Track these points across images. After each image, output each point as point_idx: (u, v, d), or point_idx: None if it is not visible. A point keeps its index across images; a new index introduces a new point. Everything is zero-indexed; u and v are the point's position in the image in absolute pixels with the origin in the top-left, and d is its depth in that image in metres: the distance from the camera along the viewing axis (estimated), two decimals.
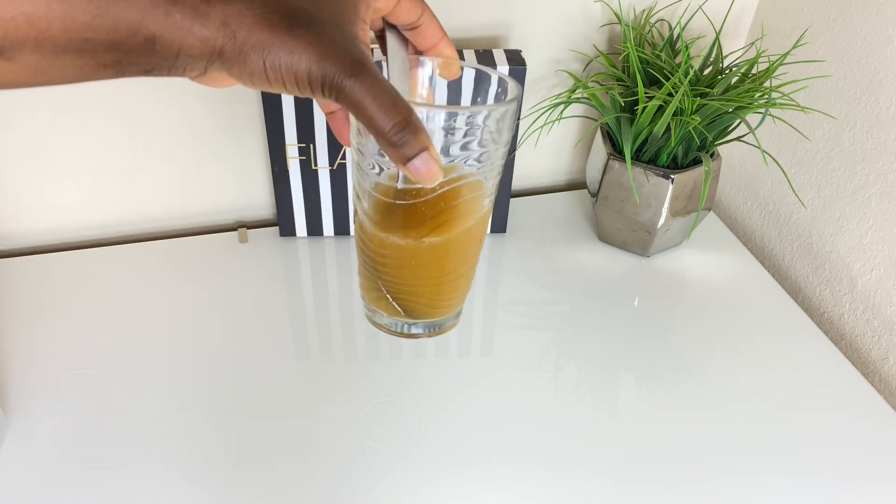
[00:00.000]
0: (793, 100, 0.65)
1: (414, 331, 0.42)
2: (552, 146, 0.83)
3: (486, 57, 0.65)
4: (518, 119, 0.38)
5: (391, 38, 0.38)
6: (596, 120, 0.77)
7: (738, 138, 0.69)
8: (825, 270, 0.72)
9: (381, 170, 0.37)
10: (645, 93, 0.63)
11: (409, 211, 0.37)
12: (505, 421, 0.57)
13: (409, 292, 0.41)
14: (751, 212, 0.82)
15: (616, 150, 0.69)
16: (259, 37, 0.29)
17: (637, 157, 0.68)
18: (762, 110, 0.63)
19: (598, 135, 0.72)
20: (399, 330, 0.42)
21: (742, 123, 0.64)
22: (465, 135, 0.36)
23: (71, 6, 0.27)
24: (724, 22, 0.70)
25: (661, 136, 0.65)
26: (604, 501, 0.52)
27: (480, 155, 0.36)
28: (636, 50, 0.65)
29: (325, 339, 0.64)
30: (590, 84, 0.70)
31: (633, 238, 0.72)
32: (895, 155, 0.63)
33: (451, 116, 0.35)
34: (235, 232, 0.75)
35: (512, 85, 0.38)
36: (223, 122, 0.71)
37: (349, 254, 0.73)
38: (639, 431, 0.57)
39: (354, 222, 0.41)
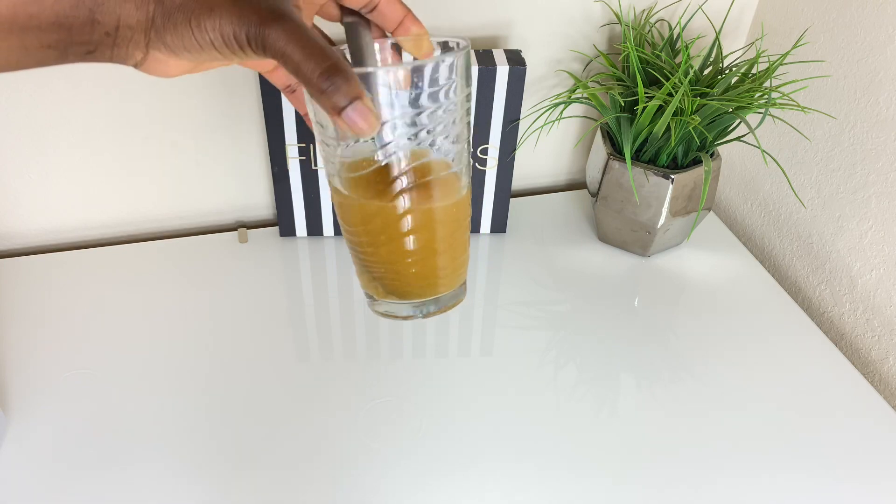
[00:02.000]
0: (793, 100, 0.65)
1: (406, 312, 0.42)
2: (552, 146, 0.83)
3: (486, 57, 0.65)
4: (469, 78, 0.37)
5: (351, 27, 0.37)
6: (596, 120, 0.77)
7: (738, 138, 0.69)
8: (825, 270, 0.72)
9: (342, 142, 0.37)
10: (645, 93, 0.63)
11: (376, 178, 0.37)
12: (505, 421, 0.57)
13: (386, 269, 0.40)
14: (751, 212, 0.82)
15: (616, 150, 0.69)
16: (184, 0, 0.30)
17: (637, 157, 0.68)
18: (762, 110, 0.64)
19: (598, 135, 0.72)
20: (395, 313, 0.42)
21: (742, 123, 0.64)
22: (420, 97, 0.35)
23: None
24: (724, 22, 0.70)
25: (661, 136, 0.65)
26: (604, 501, 0.52)
27: (436, 111, 0.36)
28: (636, 50, 0.65)
29: (325, 339, 0.64)
30: (590, 84, 0.70)
31: (633, 238, 0.72)
32: (895, 155, 0.63)
33: (393, 71, 0.34)
34: (235, 232, 0.75)
35: (463, 42, 0.37)
36: (223, 122, 0.71)
37: (349, 253, 0.73)
38: (639, 431, 0.57)
39: (332, 202, 0.40)
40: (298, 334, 0.65)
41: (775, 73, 0.64)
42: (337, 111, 0.30)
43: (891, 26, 0.62)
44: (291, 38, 0.30)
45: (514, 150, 0.70)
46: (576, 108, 0.79)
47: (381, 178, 0.36)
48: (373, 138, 0.35)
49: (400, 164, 0.36)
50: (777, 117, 0.69)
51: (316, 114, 0.37)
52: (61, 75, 0.64)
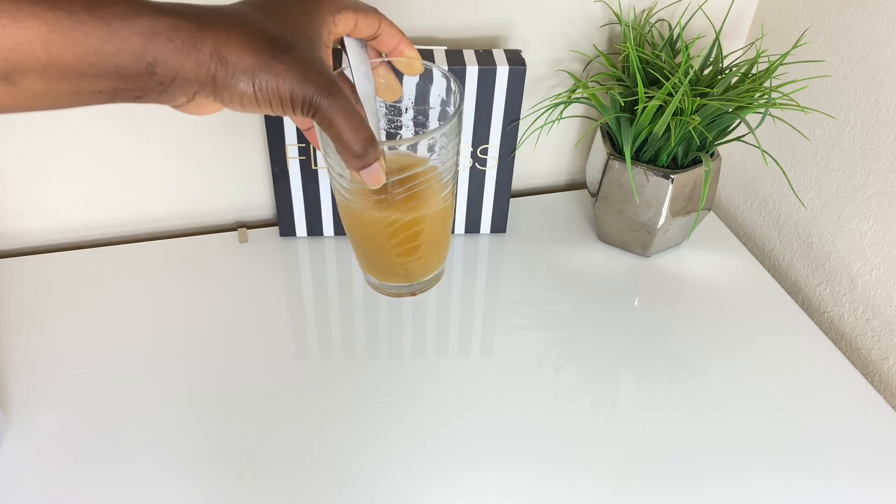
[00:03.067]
0: (793, 100, 0.65)
1: (394, 291, 0.50)
2: (552, 146, 0.83)
3: (486, 57, 0.65)
4: (460, 124, 0.46)
5: (352, 47, 0.42)
6: (596, 120, 0.77)
7: (738, 138, 0.69)
8: (825, 270, 0.72)
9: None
10: (645, 93, 0.63)
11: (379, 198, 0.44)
12: (505, 421, 0.57)
13: (381, 261, 0.48)
14: (751, 212, 0.82)
15: (616, 150, 0.69)
16: (248, 61, 0.32)
17: (637, 157, 0.68)
18: (762, 110, 0.64)
19: (598, 135, 0.72)
20: (385, 290, 0.50)
21: (742, 123, 0.64)
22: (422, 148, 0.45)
23: (86, 31, 0.28)
24: (724, 22, 0.70)
25: (661, 136, 0.65)
26: (604, 500, 0.52)
27: (439, 156, 0.44)
28: (636, 50, 0.65)
29: (325, 339, 0.64)
30: (590, 84, 0.70)
31: (633, 238, 0.72)
32: (895, 155, 0.63)
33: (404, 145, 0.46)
34: (235, 232, 0.75)
35: (456, 93, 0.45)
36: (223, 122, 0.71)
37: (349, 253, 0.73)
38: (639, 431, 0.57)
39: (338, 203, 0.47)
40: (298, 334, 0.65)
41: (775, 73, 0.64)
42: (358, 169, 0.37)
43: (891, 26, 0.62)
44: (340, 112, 0.34)
45: (514, 150, 0.70)
46: (576, 108, 0.79)
47: (380, 191, 0.42)
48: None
49: (393, 174, 0.42)
50: (777, 117, 0.69)
51: (326, 147, 0.42)
52: None
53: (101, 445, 0.54)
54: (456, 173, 0.46)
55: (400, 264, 0.47)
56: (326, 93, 0.34)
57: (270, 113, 0.35)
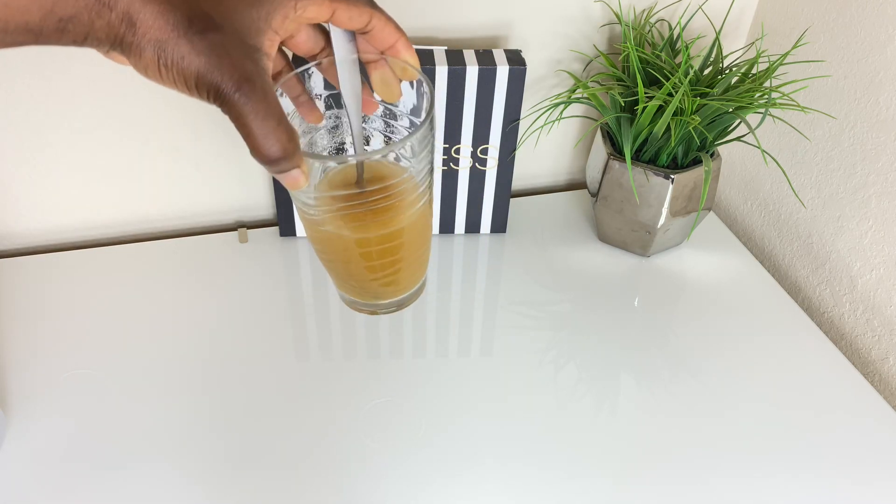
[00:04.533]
0: (793, 100, 0.65)
1: (369, 309, 0.46)
2: (552, 146, 0.83)
3: (486, 57, 0.65)
4: (433, 129, 0.40)
5: (336, 38, 0.38)
6: (596, 120, 0.77)
7: (738, 138, 0.69)
8: (825, 270, 0.72)
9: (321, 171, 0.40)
10: (645, 93, 0.63)
11: (351, 206, 0.40)
12: (505, 421, 0.57)
13: (352, 279, 0.44)
14: (751, 212, 0.82)
15: (616, 150, 0.69)
16: (156, 34, 0.30)
17: (637, 157, 0.68)
18: (762, 110, 0.64)
19: (598, 135, 0.72)
20: (360, 308, 0.46)
21: (742, 123, 0.64)
22: (395, 157, 0.41)
23: None
24: (724, 22, 0.70)
25: (661, 136, 0.65)
26: (604, 501, 0.52)
27: (412, 164, 0.39)
28: (636, 50, 0.65)
29: (325, 339, 0.64)
30: (590, 84, 0.70)
31: (633, 238, 0.72)
32: (895, 155, 0.63)
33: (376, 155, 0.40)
34: (235, 232, 0.75)
35: (427, 100, 0.40)
36: (223, 122, 0.71)
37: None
38: (639, 431, 0.57)
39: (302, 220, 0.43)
40: (298, 334, 0.65)
41: (775, 73, 0.64)
42: (272, 173, 0.34)
43: (891, 26, 0.62)
44: (252, 110, 0.31)
45: (514, 150, 0.70)
46: (576, 108, 0.79)
47: (344, 201, 0.39)
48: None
49: (361, 183, 0.39)
50: (777, 117, 0.69)
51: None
52: (62, 75, 0.64)
53: (100, 445, 0.54)
54: (431, 181, 0.42)
55: (374, 280, 0.44)
56: (236, 87, 0.31)
57: (178, 91, 0.32)
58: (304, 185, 0.34)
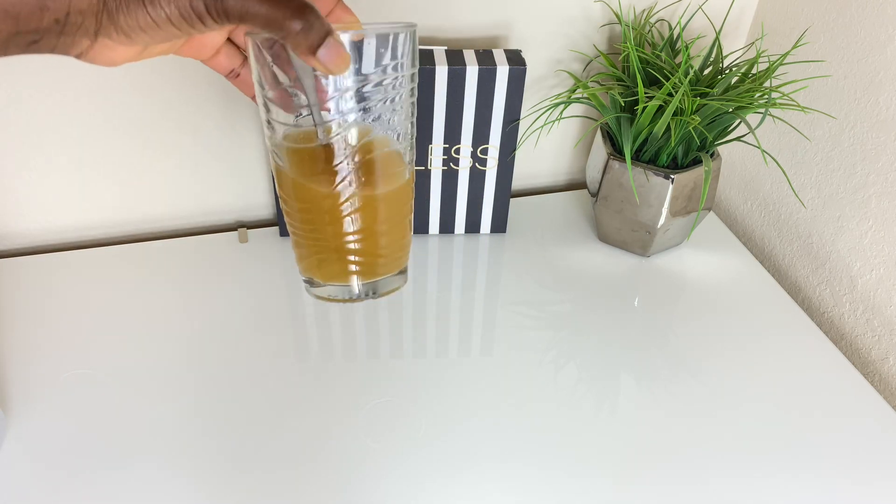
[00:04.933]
0: (793, 100, 0.65)
1: (343, 295, 0.42)
2: (552, 146, 0.83)
3: (486, 57, 0.65)
4: (416, 56, 0.39)
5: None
6: (596, 120, 0.77)
7: (738, 138, 0.69)
8: (825, 270, 0.72)
9: (293, 120, 0.38)
10: (645, 93, 0.63)
11: (320, 156, 0.38)
12: (505, 421, 0.57)
13: (324, 248, 0.41)
14: (751, 212, 0.82)
15: (616, 150, 0.69)
16: None
17: (637, 157, 0.68)
18: (762, 110, 0.64)
19: (598, 135, 0.72)
20: (334, 296, 0.42)
21: (742, 123, 0.64)
22: (366, 69, 0.36)
23: None
24: (724, 22, 0.70)
25: (661, 136, 0.65)
26: (604, 501, 0.52)
27: (381, 83, 0.37)
28: (636, 50, 0.65)
29: (325, 339, 0.64)
30: (590, 84, 0.70)
31: (633, 238, 0.72)
32: (895, 155, 0.63)
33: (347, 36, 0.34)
34: (235, 232, 0.75)
35: (407, 46, 0.38)
36: (222, 122, 0.71)
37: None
38: (638, 431, 0.57)
39: (276, 183, 0.41)
40: (298, 334, 0.65)
41: (775, 73, 0.64)
42: (313, 51, 0.31)
43: (891, 26, 0.62)
44: None
45: (514, 150, 0.70)
46: (576, 108, 0.79)
47: (324, 157, 0.37)
48: (315, 117, 0.36)
49: (344, 142, 0.37)
50: (777, 117, 0.69)
51: (264, 90, 0.37)
52: (62, 76, 0.64)
53: (100, 445, 0.54)
54: (411, 154, 0.40)
55: (349, 253, 0.41)
56: None
57: (173, 41, 0.31)
58: (349, 59, 0.32)
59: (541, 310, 0.68)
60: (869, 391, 0.61)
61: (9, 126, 0.66)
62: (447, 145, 0.69)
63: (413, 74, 0.39)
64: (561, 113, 0.76)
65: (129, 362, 0.61)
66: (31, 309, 0.66)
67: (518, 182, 0.84)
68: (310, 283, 0.43)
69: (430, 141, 0.68)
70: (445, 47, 0.67)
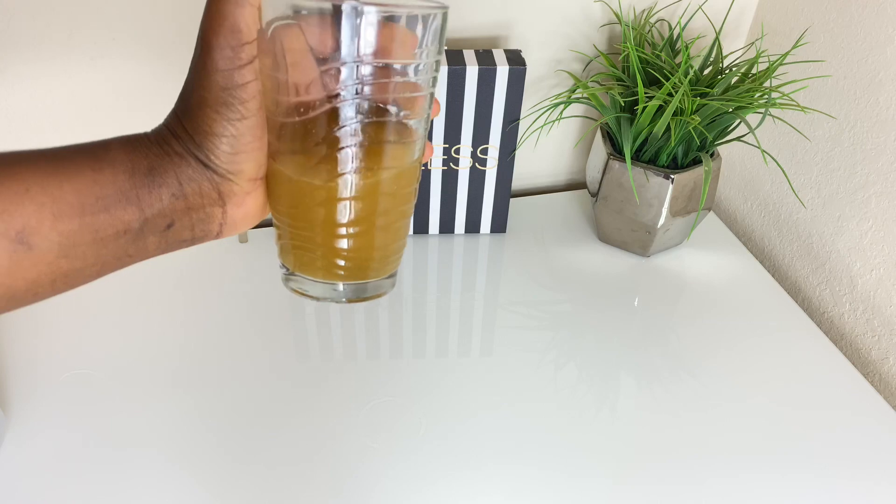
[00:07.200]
0: (793, 100, 0.65)
1: (323, 294, 0.39)
2: (552, 146, 0.83)
3: (486, 57, 0.65)
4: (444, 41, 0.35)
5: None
6: (596, 120, 0.77)
7: (738, 138, 0.69)
8: (825, 270, 0.72)
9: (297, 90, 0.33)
10: (645, 93, 0.63)
11: (323, 128, 0.33)
12: (505, 421, 0.57)
13: (312, 239, 0.37)
14: (751, 212, 0.82)
15: (616, 150, 0.69)
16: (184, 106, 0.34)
17: (637, 157, 0.68)
18: (762, 110, 0.64)
19: (598, 135, 0.72)
20: (309, 293, 0.39)
21: (742, 123, 0.64)
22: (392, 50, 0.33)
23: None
24: (724, 22, 0.70)
25: (661, 136, 0.65)
26: (604, 500, 0.52)
27: (407, 67, 0.34)
28: (636, 50, 0.65)
29: (325, 339, 0.64)
30: (590, 84, 0.70)
31: (633, 238, 0.72)
32: (895, 155, 0.63)
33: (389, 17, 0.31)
34: None
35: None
36: None
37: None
38: (639, 431, 0.57)
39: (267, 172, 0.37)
40: (298, 334, 0.65)
41: (775, 73, 0.64)
42: None
43: (891, 26, 0.62)
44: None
45: (514, 150, 0.70)
46: (576, 108, 0.79)
47: (327, 123, 0.33)
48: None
49: (354, 110, 0.33)
50: (777, 117, 0.69)
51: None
52: (62, 76, 0.64)
53: (100, 445, 0.54)
54: (424, 136, 0.36)
55: (337, 247, 0.36)
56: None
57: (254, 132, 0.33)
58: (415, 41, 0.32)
59: (541, 310, 0.68)
60: (869, 391, 0.61)
61: (9, 126, 0.66)
62: (447, 145, 0.69)
63: (438, 62, 0.35)
64: (561, 113, 0.76)
65: (129, 362, 0.61)
66: (31, 309, 0.65)
67: (518, 182, 0.84)
68: (286, 269, 0.40)
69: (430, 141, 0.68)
70: (445, 47, 0.67)
